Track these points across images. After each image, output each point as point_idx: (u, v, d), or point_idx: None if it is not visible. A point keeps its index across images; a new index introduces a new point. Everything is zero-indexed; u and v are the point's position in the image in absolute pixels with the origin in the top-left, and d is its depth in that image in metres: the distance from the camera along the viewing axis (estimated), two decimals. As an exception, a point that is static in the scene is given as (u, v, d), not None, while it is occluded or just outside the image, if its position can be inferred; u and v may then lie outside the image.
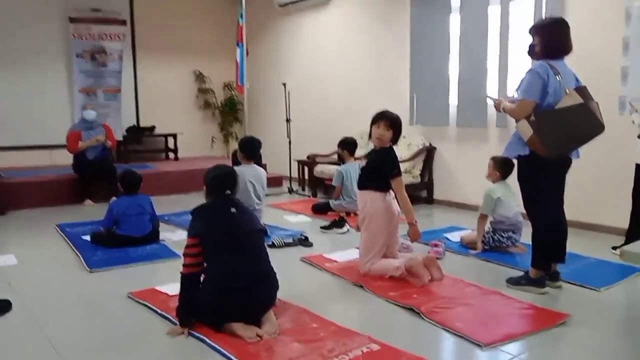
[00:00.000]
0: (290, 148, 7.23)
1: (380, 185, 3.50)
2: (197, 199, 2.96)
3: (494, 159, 4.12)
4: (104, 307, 3.07)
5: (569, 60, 3.15)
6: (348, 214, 5.36)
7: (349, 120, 7.00)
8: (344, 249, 4.15)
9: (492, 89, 5.37)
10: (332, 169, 6.19)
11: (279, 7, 8.08)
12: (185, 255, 2.67)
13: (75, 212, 5.87)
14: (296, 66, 8.11)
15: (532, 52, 3.19)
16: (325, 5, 7.48)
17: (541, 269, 3.20)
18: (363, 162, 3.65)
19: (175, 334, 2.62)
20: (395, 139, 3.53)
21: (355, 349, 2.40)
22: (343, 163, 5.68)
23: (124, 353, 2.49)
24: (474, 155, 5.68)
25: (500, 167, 4.04)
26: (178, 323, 2.65)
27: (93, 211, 5.77)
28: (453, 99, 5.85)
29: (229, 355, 2.38)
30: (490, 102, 4.03)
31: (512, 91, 3.53)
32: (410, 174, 5.94)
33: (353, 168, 5.35)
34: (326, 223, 5.00)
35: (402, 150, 5.90)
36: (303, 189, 7.26)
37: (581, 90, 2.99)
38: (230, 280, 2.58)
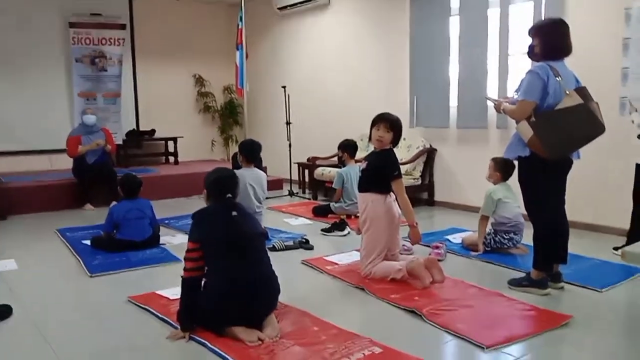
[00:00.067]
0: (290, 151, 7.22)
1: (380, 188, 3.49)
2: (198, 202, 2.95)
3: (494, 160, 4.11)
4: (105, 312, 3.06)
5: (568, 61, 3.15)
6: (349, 216, 5.35)
7: (349, 122, 7.00)
8: (345, 252, 4.14)
9: (492, 91, 5.37)
10: (333, 171, 6.19)
11: (278, 10, 8.08)
12: (186, 259, 2.66)
13: (76, 216, 5.86)
14: (296, 69, 8.11)
15: (531, 53, 3.18)
16: (324, 9, 7.49)
17: (543, 270, 3.19)
18: (363, 165, 3.64)
19: (176, 338, 2.61)
20: (395, 141, 3.52)
21: (357, 352, 2.40)
22: (343, 165, 5.67)
23: (125, 358, 2.49)
24: (474, 156, 5.67)
25: (501, 168, 4.04)
26: (179, 327, 2.64)
27: (93, 215, 5.77)
28: (453, 101, 5.84)
29: (230, 359, 2.37)
30: (490, 104, 4.02)
31: (512, 92, 3.52)
32: (410, 175, 5.94)
33: (353, 170, 5.34)
34: (327, 226, 4.99)
35: (402, 152, 5.90)
36: (303, 192, 7.25)
37: (581, 91, 2.98)
38: (231, 284, 2.57)
